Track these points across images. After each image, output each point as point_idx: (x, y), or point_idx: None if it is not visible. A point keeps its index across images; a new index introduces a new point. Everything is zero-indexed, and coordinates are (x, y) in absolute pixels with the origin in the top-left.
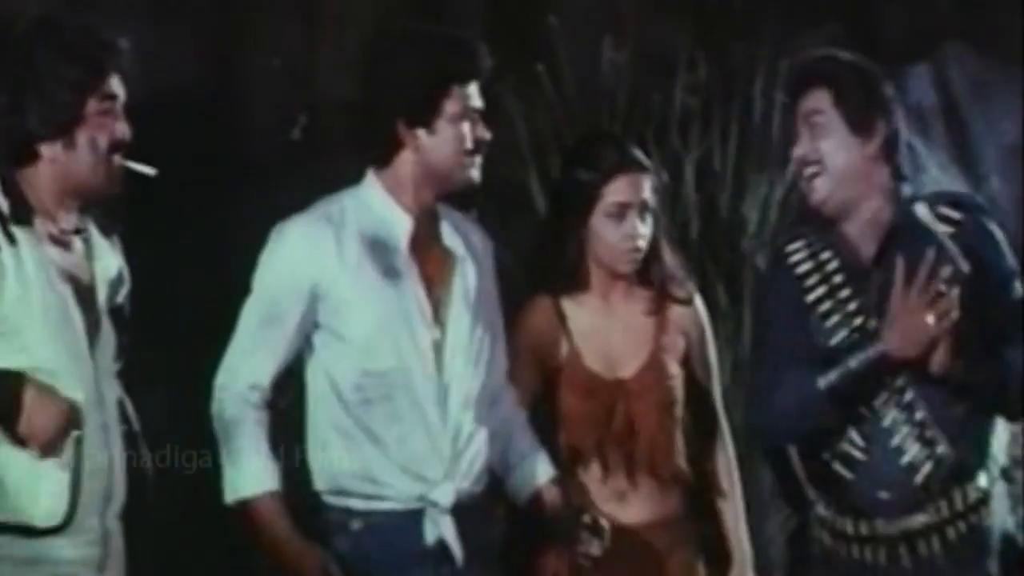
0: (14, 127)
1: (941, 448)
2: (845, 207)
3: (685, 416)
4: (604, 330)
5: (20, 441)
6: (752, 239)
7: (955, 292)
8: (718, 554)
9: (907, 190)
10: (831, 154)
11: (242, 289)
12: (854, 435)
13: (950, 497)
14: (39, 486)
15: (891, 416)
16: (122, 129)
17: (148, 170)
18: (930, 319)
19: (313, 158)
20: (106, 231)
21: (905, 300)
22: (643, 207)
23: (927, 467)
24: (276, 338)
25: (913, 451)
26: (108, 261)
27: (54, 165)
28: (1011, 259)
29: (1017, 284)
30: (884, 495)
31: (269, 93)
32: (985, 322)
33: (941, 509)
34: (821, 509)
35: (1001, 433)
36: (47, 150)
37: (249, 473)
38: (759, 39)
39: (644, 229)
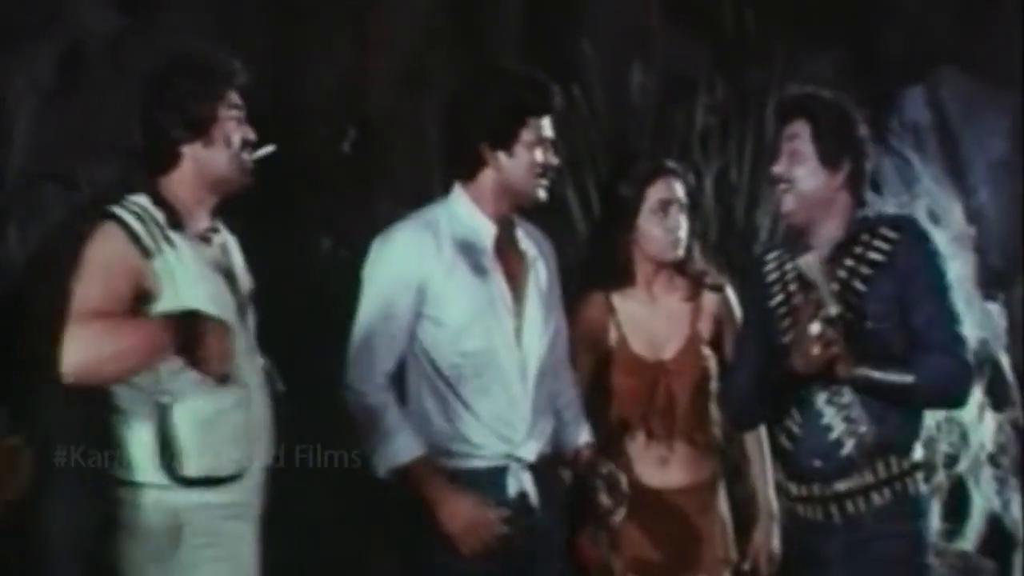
0: (159, 139)
1: (863, 427)
2: (809, 224)
3: (716, 392)
4: (648, 319)
5: (199, 366)
6: (764, 244)
7: (837, 327)
8: (746, 512)
9: (861, 214)
10: (802, 179)
11: (294, 290)
12: (794, 413)
13: (874, 467)
14: (222, 443)
15: (822, 399)
16: (247, 131)
17: (270, 148)
18: (816, 350)
19: (363, 168)
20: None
21: (800, 333)
22: (680, 204)
23: (851, 442)
24: (395, 330)
25: (839, 429)
26: (238, 256)
27: (196, 162)
28: (941, 274)
29: (940, 296)
30: (818, 463)
31: (322, 109)
32: (907, 328)
33: (865, 476)
34: (776, 474)
35: (989, 422)
36: (188, 149)
37: (401, 445)
38: (771, 64)
39: (684, 222)
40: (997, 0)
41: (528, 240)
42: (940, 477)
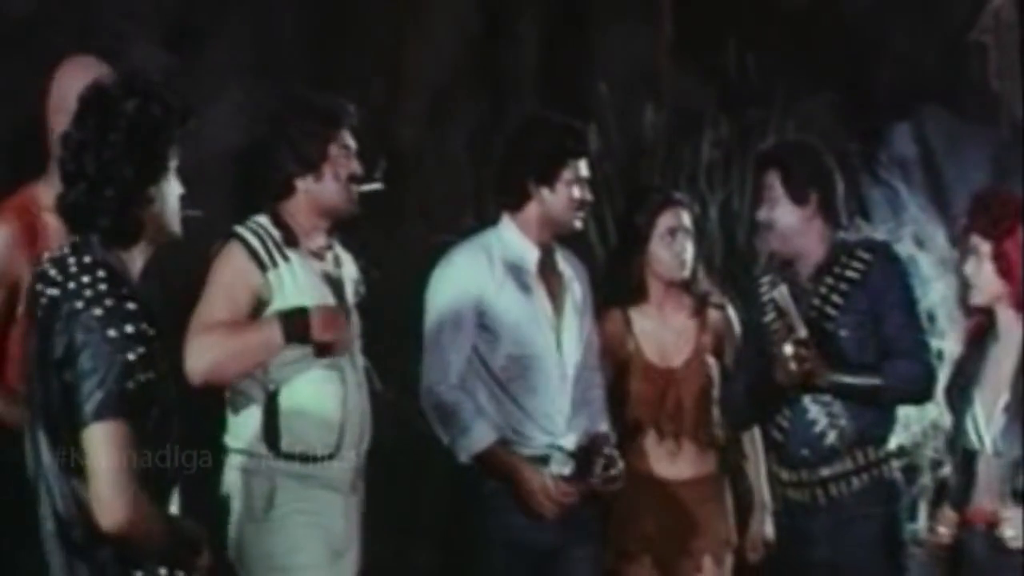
0: (276, 171)
1: (843, 421)
2: (794, 254)
3: (718, 396)
4: (659, 332)
5: (318, 350)
6: (761, 267)
7: (809, 346)
8: (743, 503)
9: (839, 237)
10: (779, 219)
11: None
12: (784, 409)
13: (854, 455)
14: (318, 426)
15: (808, 398)
16: (355, 166)
17: (377, 185)
18: (792, 366)
19: (394, 196)
20: (347, 247)
21: (778, 353)
22: (687, 231)
23: (833, 433)
24: (462, 339)
25: (823, 422)
26: (350, 268)
27: (307, 194)
28: (909, 290)
29: (907, 309)
30: (805, 452)
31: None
32: (878, 336)
33: (846, 463)
34: (769, 463)
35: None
36: (301, 183)
37: (478, 435)
38: (770, 103)
39: (690, 247)
40: (978, 45)
41: (566, 263)
42: (926, 479)
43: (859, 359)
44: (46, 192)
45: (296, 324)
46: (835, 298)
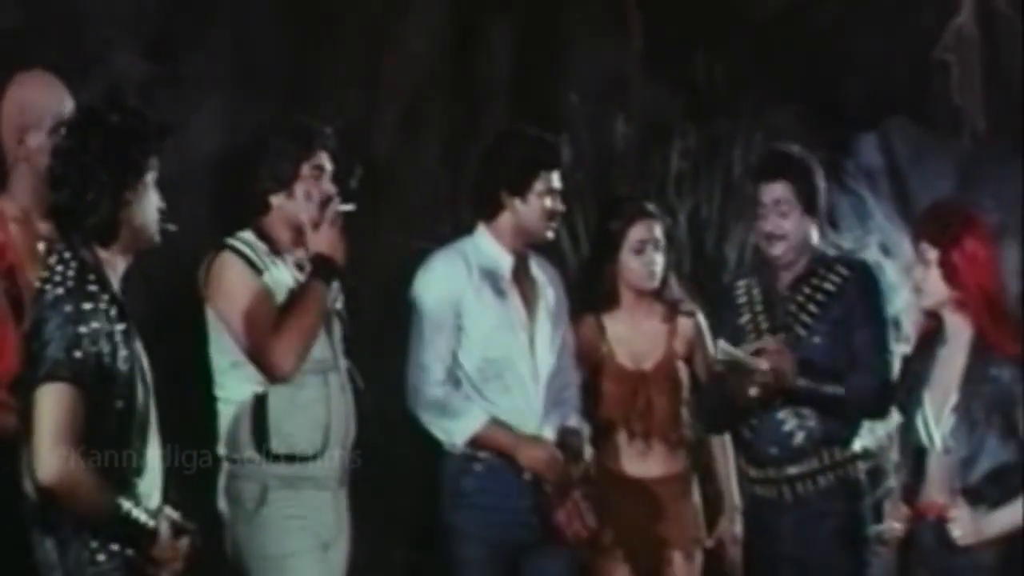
0: (254, 186)
1: (811, 422)
2: (792, 261)
3: (688, 398)
4: (631, 337)
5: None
6: (733, 272)
7: (768, 381)
8: (713, 502)
9: (819, 252)
10: (791, 231)
11: None
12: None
13: (820, 455)
14: (305, 428)
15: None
16: (327, 187)
17: (350, 207)
18: (764, 365)
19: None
20: None
21: (746, 400)
22: (657, 243)
23: (801, 434)
24: (444, 340)
25: (792, 423)
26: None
27: (280, 211)
28: (880, 309)
29: (876, 327)
30: (774, 451)
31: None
32: (847, 346)
33: (812, 463)
34: (738, 460)
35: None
36: (275, 199)
37: (468, 418)
38: (738, 114)
39: (659, 258)
40: (942, 62)
41: (539, 269)
42: (891, 482)
43: (830, 365)
44: (9, 204)
45: (319, 265)
46: (811, 307)
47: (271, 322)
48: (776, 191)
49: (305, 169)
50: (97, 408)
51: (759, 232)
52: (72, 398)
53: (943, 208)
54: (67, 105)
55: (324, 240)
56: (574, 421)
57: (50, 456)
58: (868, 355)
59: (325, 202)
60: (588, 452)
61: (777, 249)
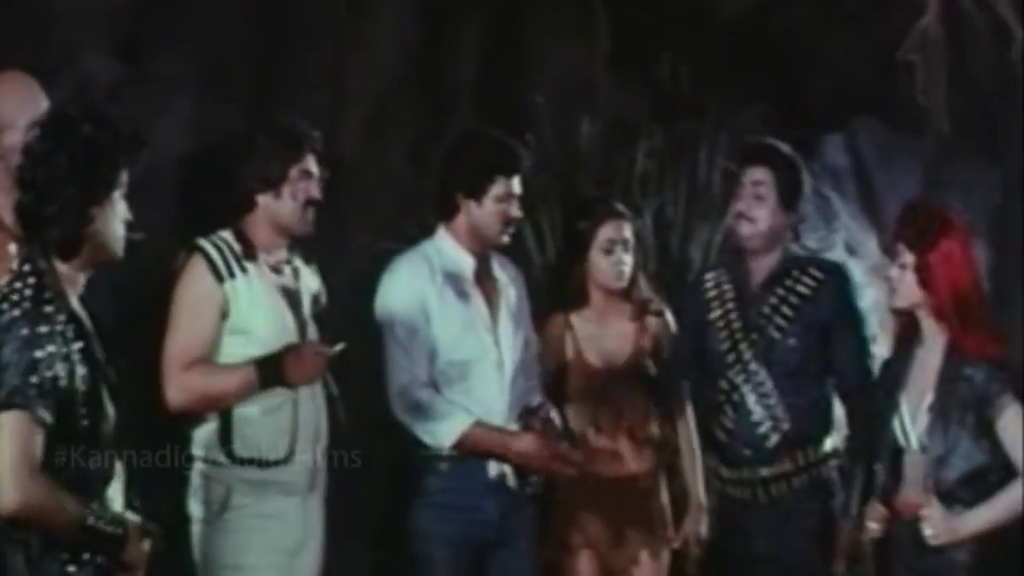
0: (239, 184)
1: (785, 424)
2: (758, 250)
3: (656, 397)
4: (600, 335)
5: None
6: (703, 265)
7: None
8: (680, 500)
9: (792, 252)
10: (763, 217)
11: None
12: (728, 410)
13: (794, 457)
14: (270, 433)
15: (752, 400)
16: (314, 190)
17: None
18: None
19: (332, 204)
20: (308, 260)
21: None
22: (626, 243)
23: (775, 436)
24: (420, 341)
25: (766, 425)
26: (309, 281)
27: (266, 211)
28: (860, 313)
29: (853, 328)
30: (747, 452)
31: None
32: (822, 350)
33: (786, 464)
34: (711, 460)
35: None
36: (261, 199)
37: (454, 421)
38: (704, 115)
39: (628, 258)
40: (908, 62)
41: (501, 269)
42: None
43: (803, 368)
44: None
45: (271, 370)
46: (785, 309)
47: (197, 353)
48: (757, 174)
49: (294, 172)
50: (60, 428)
51: (732, 212)
52: (30, 425)
53: (920, 211)
54: (42, 105)
55: (301, 371)
56: (537, 398)
57: (11, 486)
58: (853, 364)
59: (308, 204)
60: (558, 420)
61: (745, 229)
